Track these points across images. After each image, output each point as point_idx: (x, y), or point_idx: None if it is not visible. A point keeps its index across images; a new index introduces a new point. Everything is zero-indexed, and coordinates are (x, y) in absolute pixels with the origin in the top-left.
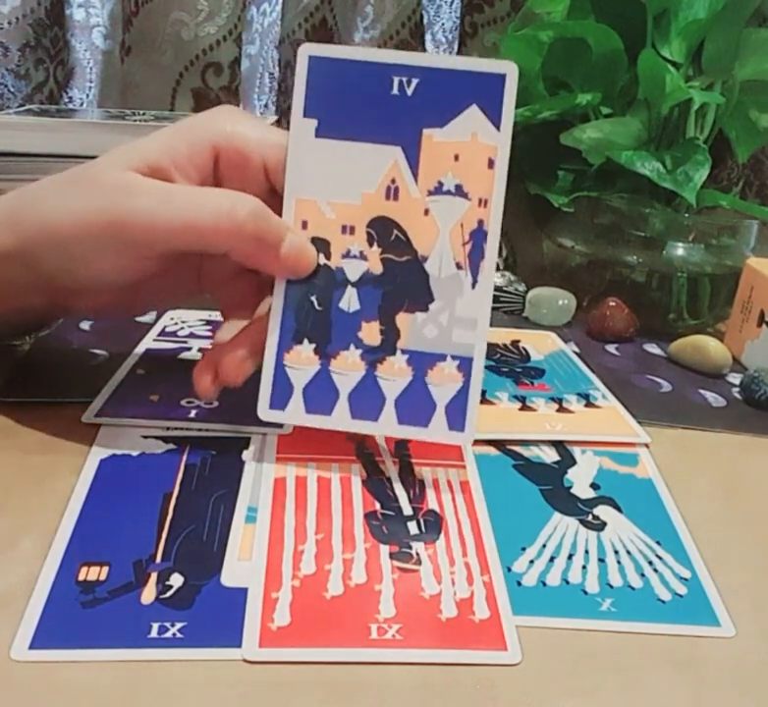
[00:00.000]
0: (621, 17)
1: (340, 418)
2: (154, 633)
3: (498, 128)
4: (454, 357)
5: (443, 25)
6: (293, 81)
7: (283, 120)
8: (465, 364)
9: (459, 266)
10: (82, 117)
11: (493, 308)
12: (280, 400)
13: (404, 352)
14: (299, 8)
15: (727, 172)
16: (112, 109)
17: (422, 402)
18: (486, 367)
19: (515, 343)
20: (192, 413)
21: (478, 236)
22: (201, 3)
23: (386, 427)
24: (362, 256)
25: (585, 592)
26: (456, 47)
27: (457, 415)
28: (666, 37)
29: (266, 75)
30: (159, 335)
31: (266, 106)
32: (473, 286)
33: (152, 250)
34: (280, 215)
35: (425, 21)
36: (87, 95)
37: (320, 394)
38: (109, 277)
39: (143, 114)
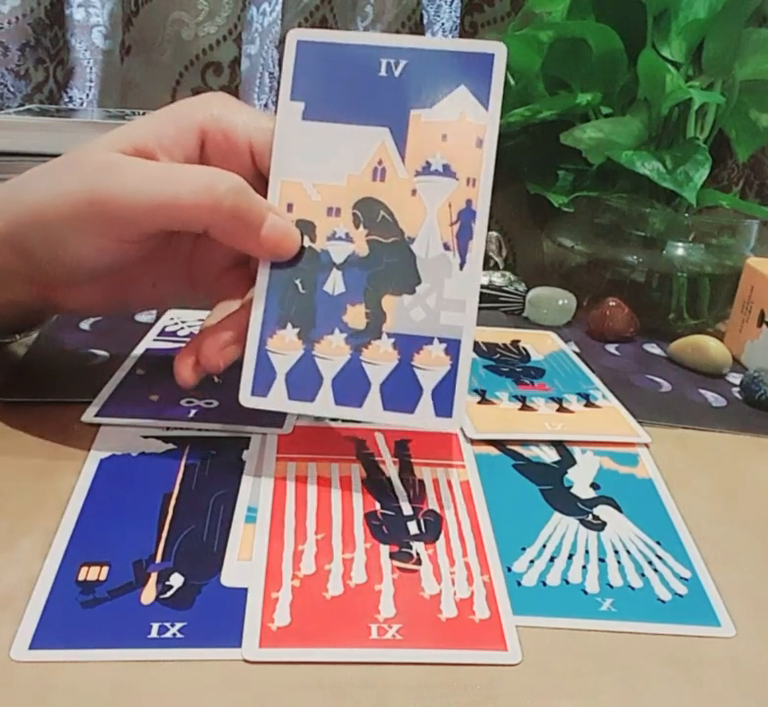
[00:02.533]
0: (621, 17)
1: (323, 404)
2: (154, 633)
3: (486, 107)
4: (441, 340)
5: (443, 25)
6: None
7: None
8: (452, 347)
9: (446, 247)
10: (82, 117)
11: (493, 309)
12: (262, 386)
13: (390, 335)
14: (299, 8)
15: (727, 172)
16: (112, 109)
17: (408, 387)
18: (486, 367)
19: (515, 343)
20: (192, 413)
21: (467, 215)
22: (201, 3)
23: (371, 413)
24: (348, 238)
25: (585, 592)
26: None
27: (444, 400)
28: (666, 37)
29: (266, 74)
30: (159, 335)
31: (266, 106)
32: (462, 267)
33: (132, 229)
34: (266, 199)
35: (425, 21)
36: (87, 95)
37: (303, 379)
38: (91, 261)
39: (143, 114)
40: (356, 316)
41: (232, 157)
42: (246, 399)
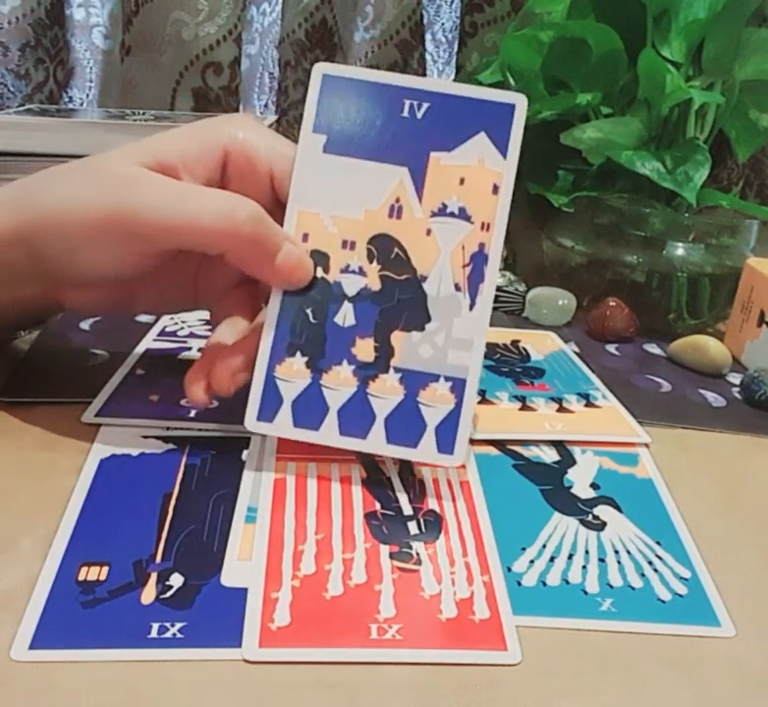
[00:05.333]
0: (621, 17)
1: (328, 434)
2: (154, 633)
3: (504, 155)
4: (447, 378)
5: (443, 24)
6: (293, 81)
7: (283, 119)
8: (458, 386)
9: (458, 288)
10: (82, 117)
11: (493, 308)
12: (268, 412)
13: (397, 370)
14: (299, 8)
15: (727, 172)
16: (112, 109)
17: (413, 421)
18: (486, 367)
19: (515, 343)
20: (192, 413)
21: (479, 259)
22: (201, 3)
23: (374, 445)
24: (361, 272)
25: (585, 592)
26: (456, 47)
27: (447, 437)
28: (666, 37)
29: (266, 74)
30: (159, 335)
31: (266, 106)
32: (471, 308)
33: (149, 245)
34: (282, 226)
35: (425, 21)
36: (87, 95)
37: (309, 408)
38: (104, 270)
39: (143, 114)
40: (364, 349)
41: (251, 180)
42: (252, 423)
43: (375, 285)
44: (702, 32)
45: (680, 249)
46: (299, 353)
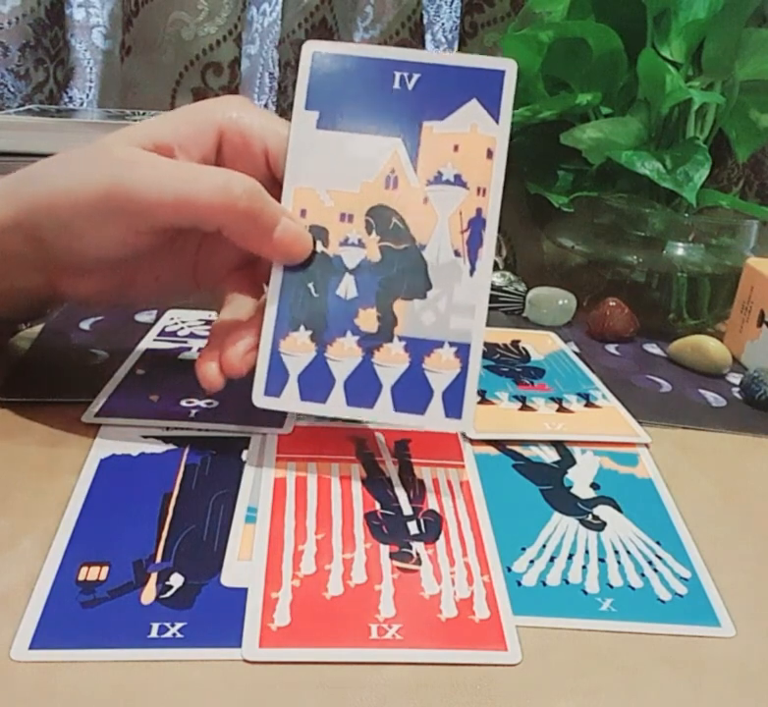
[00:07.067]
0: (621, 17)
1: (335, 405)
2: (154, 633)
3: (497, 120)
4: (451, 344)
5: (443, 25)
6: (293, 81)
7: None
8: (462, 351)
9: (457, 253)
10: (81, 117)
11: (493, 309)
12: (275, 386)
13: (401, 338)
14: (299, 8)
15: (727, 172)
16: (112, 109)
17: (419, 388)
18: (486, 367)
19: (515, 343)
20: (192, 413)
21: (477, 224)
22: (201, 3)
23: (382, 414)
24: (361, 244)
25: (585, 592)
26: (456, 47)
27: (454, 402)
28: (666, 37)
29: (266, 75)
30: (159, 335)
31: (266, 106)
32: (472, 273)
33: (147, 223)
34: (280, 203)
35: (425, 21)
36: (87, 95)
37: (316, 381)
38: (103, 252)
39: (143, 114)
40: (367, 320)
41: (247, 159)
42: (259, 399)
43: (375, 256)
44: (702, 32)
45: (680, 249)
46: (302, 328)
